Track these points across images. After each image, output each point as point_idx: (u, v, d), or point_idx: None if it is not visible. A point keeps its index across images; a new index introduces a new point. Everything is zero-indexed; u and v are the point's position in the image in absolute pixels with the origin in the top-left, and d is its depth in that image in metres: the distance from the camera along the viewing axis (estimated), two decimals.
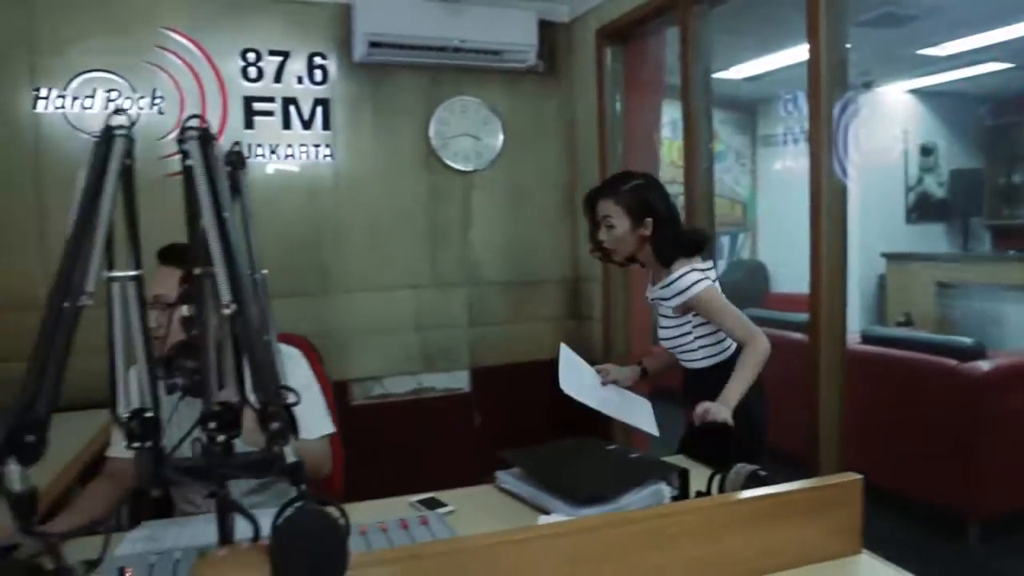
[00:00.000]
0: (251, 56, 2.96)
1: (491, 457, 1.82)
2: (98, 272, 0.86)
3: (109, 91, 2.78)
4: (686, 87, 2.80)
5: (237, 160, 1.09)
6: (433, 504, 1.55)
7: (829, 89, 2.22)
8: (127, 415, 0.95)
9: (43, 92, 2.71)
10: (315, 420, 1.84)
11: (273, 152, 3.01)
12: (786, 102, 6.25)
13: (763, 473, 1.33)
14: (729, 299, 1.98)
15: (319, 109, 3.07)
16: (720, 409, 1.74)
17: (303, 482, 0.92)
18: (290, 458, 0.92)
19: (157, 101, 2.83)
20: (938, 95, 6.73)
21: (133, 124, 0.96)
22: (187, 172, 0.96)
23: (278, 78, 3.00)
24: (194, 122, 0.98)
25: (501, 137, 3.37)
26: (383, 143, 3.21)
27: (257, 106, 2.98)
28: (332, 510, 0.92)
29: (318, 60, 3.06)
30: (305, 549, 0.86)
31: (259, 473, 0.93)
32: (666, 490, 1.46)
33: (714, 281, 2.00)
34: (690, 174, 2.84)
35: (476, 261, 3.40)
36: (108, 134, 0.92)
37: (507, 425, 3.33)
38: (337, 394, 2.24)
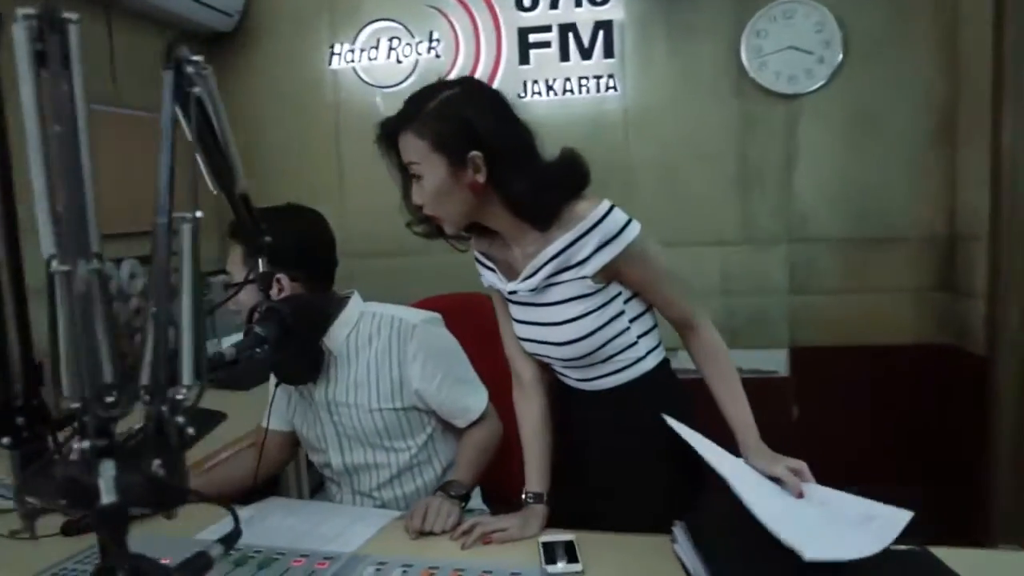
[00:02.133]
0: None
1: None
2: None
3: (391, 39, 2.74)
4: None
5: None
6: (562, 553, 1.09)
7: None
8: None
9: (336, 48, 2.79)
10: (465, 397, 1.48)
11: (550, 88, 2.68)
12: None
13: None
14: None
15: (600, 34, 2.63)
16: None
17: (117, 542, 0.59)
18: (106, 497, 0.60)
19: (434, 44, 2.71)
20: None
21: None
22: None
23: (554, 3, 2.65)
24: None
25: (841, 47, 2.54)
26: (681, 68, 2.65)
27: (532, 38, 2.67)
28: None
29: None
30: None
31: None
32: None
33: None
34: None
35: (802, 211, 2.66)
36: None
37: (832, 425, 2.59)
38: None
